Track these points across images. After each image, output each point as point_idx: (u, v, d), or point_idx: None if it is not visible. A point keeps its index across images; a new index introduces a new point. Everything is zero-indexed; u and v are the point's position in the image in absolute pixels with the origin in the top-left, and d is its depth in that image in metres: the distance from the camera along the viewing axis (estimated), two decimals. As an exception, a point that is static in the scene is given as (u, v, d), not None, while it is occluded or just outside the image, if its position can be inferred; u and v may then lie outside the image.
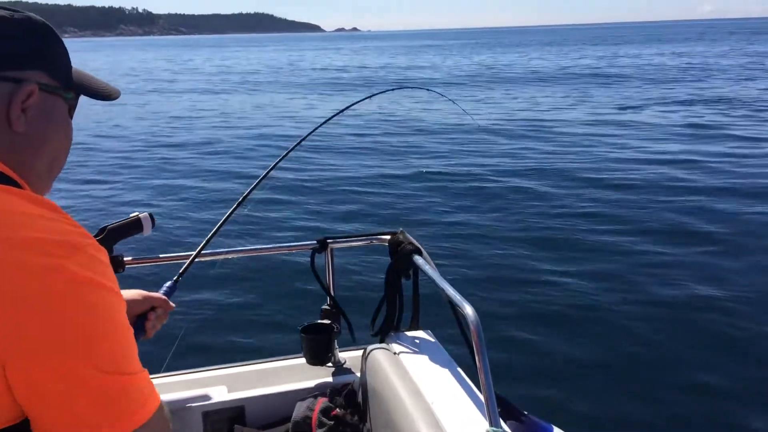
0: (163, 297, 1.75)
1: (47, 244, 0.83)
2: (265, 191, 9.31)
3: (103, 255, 0.89)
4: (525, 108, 19.44)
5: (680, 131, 14.52)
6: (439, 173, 10.96)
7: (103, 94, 1.14)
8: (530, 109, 19.31)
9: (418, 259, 2.19)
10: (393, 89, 3.25)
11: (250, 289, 5.85)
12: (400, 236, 2.32)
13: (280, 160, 2.43)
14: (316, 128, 2.63)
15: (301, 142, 2.55)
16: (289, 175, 10.62)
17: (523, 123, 16.33)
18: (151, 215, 1.96)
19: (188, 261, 2.09)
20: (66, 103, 1.05)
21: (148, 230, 1.97)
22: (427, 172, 10.99)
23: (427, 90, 3.41)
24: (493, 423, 1.54)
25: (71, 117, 1.08)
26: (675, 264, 6.42)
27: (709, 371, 4.41)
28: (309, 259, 2.42)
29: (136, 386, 0.89)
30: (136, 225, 1.92)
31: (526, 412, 2.14)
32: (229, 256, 2.62)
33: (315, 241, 2.44)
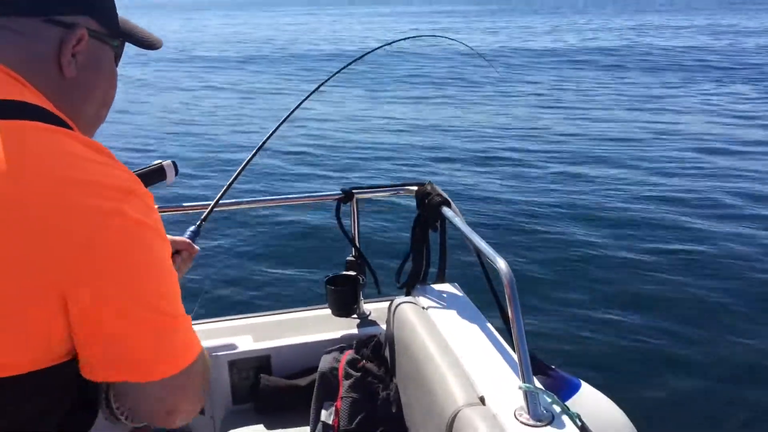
0: (187, 240, 1.74)
1: (105, 188, 0.84)
2: (287, 140, 9.30)
3: (151, 201, 0.91)
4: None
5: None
6: (467, 129, 10.79)
7: (147, 43, 1.14)
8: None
9: (447, 211, 2.14)
10: (410, 37, 3.17)
11: (276, 240, 5.88)
12: (428, 187, 2.27)
13: (299, 106, 2.38)
14: (336, 72, 2.55)
15: (320, 86, 2.48)
16: (311, 125, 10.56)
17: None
18: (174, 163, 1.92)
19: (211, 205, 2.07)
20: (113, 50, 1.06)
21: (171, 178, 1.93)
22: (453, 126, 10.83)
23: (445, 38, 3.29)
24: (526, 379, 1.49)
25: (117, 64, 1.09)
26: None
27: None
28: (334, 209, 2.38)
29: (183, 328, 0.93)
30: (159, 173, 1.87)
31: (553, 367, 2.12)
32: (254, 206, 2.60)
33: (340, 191, 2.41)
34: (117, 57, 1.08)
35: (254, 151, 2.25)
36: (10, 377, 0.79)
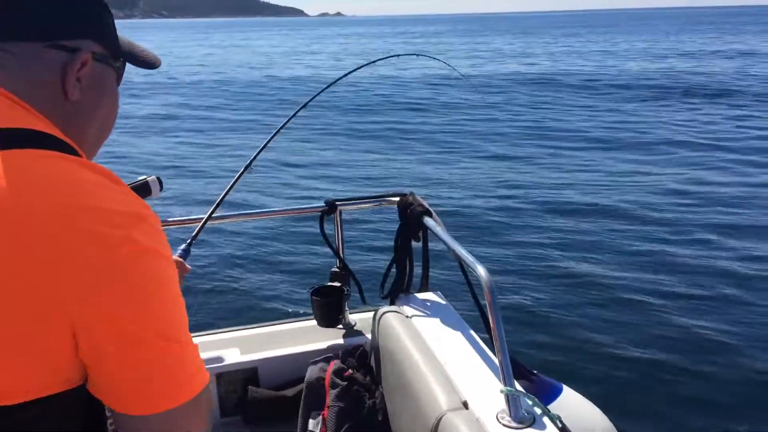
0: (179, 259, 1.76)
1: (115, 215, 0.84)
2: (272, 155, 9.32)
3: (159, 224, 0.91)
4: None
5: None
6: (448, 142, 10.89)
7: (148, 62, 1.14)
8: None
9: (429, 221, 2.18)
10: (392, 56, 3.27)
11: (261, 253, 5.88)
12: (410, 198, 2.31)
13: (287, 123, 2.43)
14: (321, 91, 2.62)
15: (306, 104, 2.54)
16: (294, 141, 10.60)
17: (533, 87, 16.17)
18: (158, 178, 1.92)
19: (200, 224, 2.10)
20: (115, 71, 1.06)
21: (156, 194, 1.92)
22: (432, 139, 10.92)
23: (420, 56, 3.44)
24: (507, 383, 1.54)
25: (119, 84, 1.09)
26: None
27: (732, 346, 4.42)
28: (318, 221, 2.42)
29: (191, 356, 0.91)
30: (143, 189, 1.86)
31: (535, 371, 2.16)
32: (239, 220, 2.62)
33: (324, 204, 2.44)
34: (119, 77, 1.09)
35: (243, 168, 2.31)
36: (18, 404, 0.79)
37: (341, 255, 2.50)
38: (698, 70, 22.54)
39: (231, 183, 2.26)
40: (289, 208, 2.70)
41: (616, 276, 5.33)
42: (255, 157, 2.33)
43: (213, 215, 2.19)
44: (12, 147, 0.84)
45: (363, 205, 2.57)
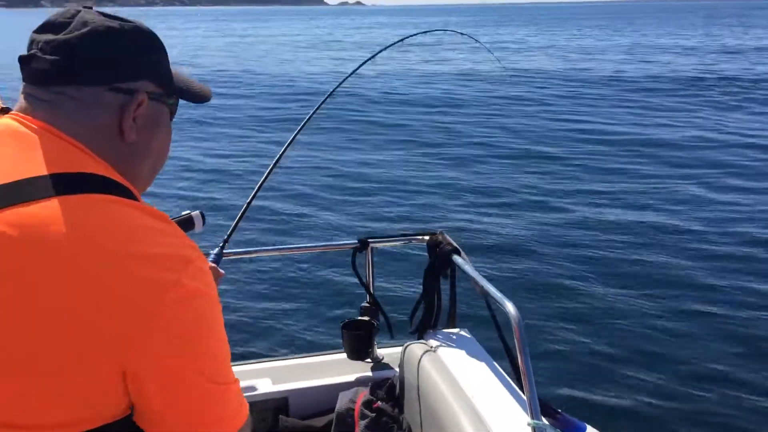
0: (213, 265, 1.86)
1: (164, 259, 0.87)
2: (290, 181, 9.45)
3: (206, 264, 0.95)
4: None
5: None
6: (475, 173, 10.92)
7: (200, 96, 1.16)
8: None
9: (457, 259, 2.26)
10: (419, 33, 3.12)
11: (294, 286, 5.97)
12: (439, 237, 2.39)
13: (302, 127, 2.44)
14: (343, 81, 2.61)
15: (323, 102, 2.55)
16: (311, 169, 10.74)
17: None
18: (202, 213, 2.00)
19: (233, 224, 2.18)
20: (169, 108, 1.09)
21: (199, 228, 2.01)
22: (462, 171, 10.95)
23: (455, 32, 3.25)
24: (534, 416, 1.59)
25: (172, 119, 1.12)
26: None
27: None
28: (350, 257, 2.50)
29: (234, 394, 0.96)
30: (187, 223, 1.94)
31: (560, 410, 2.20)
32: (275, 254, 2.72)
33: (356, 241, 2.53)
34: (172, 113, 1.11)
35: (275, 161, 2.33)
36: None
37: (371, 290, 2.57)
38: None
39: (260, 181, 2.30)
40: (324, 243, 2.80)
41: (648, 321, 5.26)
42: (282, 153, 2.36)
43: (247, 248, 2.27)
44: (72, 192, 0.87)
45: (394, 243, 2.66)
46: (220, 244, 2.12)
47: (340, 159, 11.41)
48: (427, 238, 2.45)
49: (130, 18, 1.05)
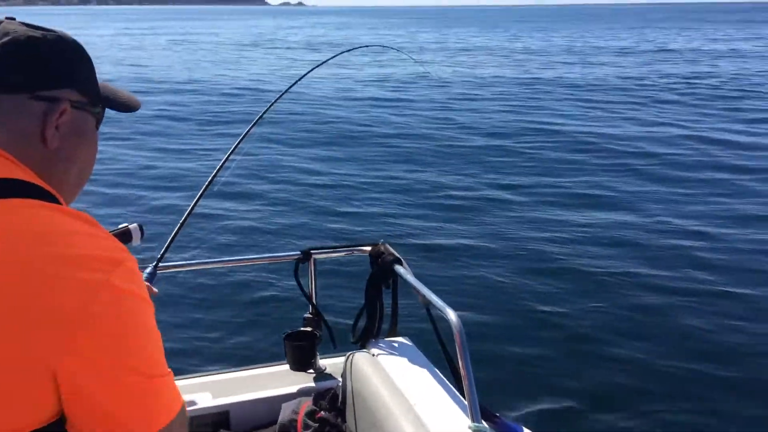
0: (145, 283, 1.82)
1: (92, 260, 0.88)
2: (231, 191, 9.36)
3: (137, 266, 0.96)
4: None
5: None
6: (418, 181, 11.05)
7: (127, 106, 1.18)
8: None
9: (399, 269, 2.31)
10: (350, 50, 3.23)
11: (235, 298, 5.89)
12: (381, 247, 2.43)
13: (241, 140, 2.46)
14: (274, 102, 2.66)
15: (259, 119, 2.58)
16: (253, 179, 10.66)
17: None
18: (140, 226, 1.98)
19: (168, 241, 2.16)
20: (94, 117, 1.10)
21: (137, 241, 1.99)
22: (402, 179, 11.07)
23: (390, 48, 3.42)
24: (475, 419, 1.64)
25: (98, 129, 1.13)
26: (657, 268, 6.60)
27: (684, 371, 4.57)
28: (292, 269, 2.51)
29: (167, 386, 0.98)
30: (125, 236, 1.93)
31: (498, 414, 2.26)
32: (216, 266, 2.69)
33: (299, 252, 2.54)
34: (98, 122, 1.12)
35: (197, 197, 2.33)
36: None
37: (314, 301, 2.59)
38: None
39: (194, 201, 2.29)
40: (266, 255, 2.78)
41: (585, 325, 5.45)
42: (213, 177, 2.37)
43: (187, 261, 2.25)
44: None
45: (336, 254, 2.68)
46: (154, 263, 2.10)
47: (281, 171, 11.34)
48: (369, 248, 2.48)
49: (54, 28, 1.06)
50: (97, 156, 1.14)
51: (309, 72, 2.87)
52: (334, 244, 2.68)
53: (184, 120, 15.69)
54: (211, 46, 39.88)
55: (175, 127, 14.67)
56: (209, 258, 2.62)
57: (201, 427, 2.32)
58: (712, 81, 21.79)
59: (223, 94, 19.65)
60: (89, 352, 0.85)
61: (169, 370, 0.99)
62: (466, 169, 11.44)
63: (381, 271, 2.37)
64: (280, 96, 2.70)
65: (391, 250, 2.41)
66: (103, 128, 1.16)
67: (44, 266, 0.84)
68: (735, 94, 19.11)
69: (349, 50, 3.19)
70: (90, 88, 1.08)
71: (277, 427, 2.19)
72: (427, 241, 7.76)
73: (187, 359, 4.61)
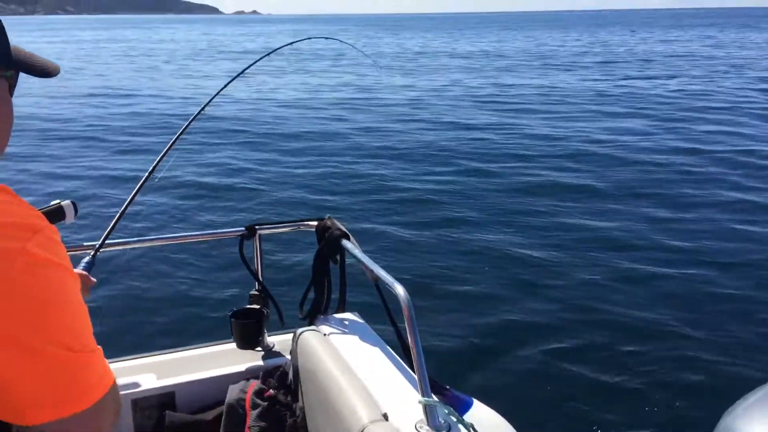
0: (83, 272, 1.74)
1: (7, 227, 0.84)
2: (177, 175, 9.18)
3: (57, 235, 0.91)
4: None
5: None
6: (361, 157, 11.04)
7: (43, 71, 1.12)
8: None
9: (347, 244, 2.28)
10: (294, 42, 3.20)
11: (179, 276, 5.78)
12: (328, 222, 2.39)
13: (187, 126, 2.42)
14: (219, 92, 2.61)
15: (210, 101, 2.54)
16: (196, 157, 10.51)
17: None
18: (73, 203, 1.89)
19: (104, 235, 2.08)
20: (6, 81, 1.03)
21: (71, 218, 1.89)
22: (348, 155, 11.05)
23: (332, 39, 3.45)
24: (425, 394, 1.64)
25: (11, 95, 1.06)
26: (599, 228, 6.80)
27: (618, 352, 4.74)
28: (237, 245, 2.45)
29: (95, 362, 0.93)
30: (58, 213, 1.84)
31: (447, 387, 2.28)
32: (157, 244, 2.61)
33: (243, 228, 2.48)
34: (11, 87, 1.05)
35: (142, 180, 2.27)
36: None
37: (260, 278, 2.54)
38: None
39: (135, 190, 2.24)
40: (209, 232, 2.71)
41: (529, 293, 5.58)
42: (154, 167, 2.32)
43: (128, 238, 2.18)
44: None
45: (282, 229, 2.63)
46: (92, 253, 2.02)
47: (225, 155, 11.21)
48: (315, 223, 2.44)
49: None
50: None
51: (254, 63, 2.80)
52: (280, 219, 2.62)
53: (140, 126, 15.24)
54: (165, 53, 38.96)
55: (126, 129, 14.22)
56: (150, 236, 2.52)
57: (146, 409, 2.26)
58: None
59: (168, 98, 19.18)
60: (7, 323, 0.81)
61: (98, 347, 0.95)
62: (413, 150, 11.55)
63: (328, 246, 2.33)
64: (224, 87, 2.62)
65: (338, 224, 2.37)
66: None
67: None
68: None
69: (292, 42, 3.14)
70: (0, 51, 1.01)
71: (224, 407, 2.14)
72: (373, 216, 7.76)
73: (130, 339, 4.48)
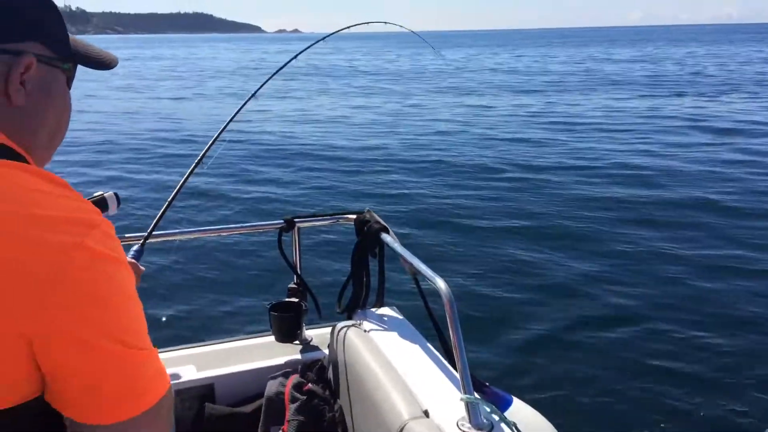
0: (132, 261, 1.75)
1: (65, 222, 0.83)
2: (217, 169, 9.29)
3: (113, 230, 0.90)
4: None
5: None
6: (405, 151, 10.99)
7: (101, 62, 1.10)
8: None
9: (386, 237, 2.24)
10: (357, 24, 3.17)
11: (218, 268, 5.84)
12: (367, 215, 2.37)
13: (234, 116, 2.42)
14: (272, 76, 2.61)
15: (253, 95, 2.54)
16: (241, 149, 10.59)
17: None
18: (116, 194, 1.88)
19: (152, 225, 2.09)
20: (64, 73, 1.02)
21: (113, 209, 1.89)
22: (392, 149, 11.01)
23: (393, 24, 3.38)
24: (467, 391, 1.59)
25: (69, 87, 1.05)
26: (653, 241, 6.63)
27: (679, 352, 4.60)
28: (276, 238, 2.45)
29: (153, 361, 0.91)
30: (100, 204, 1.82)
31: (487, 383, 2.24)
32: (197, 236, 2.62)
33: (282, 221, 2.47)
34: (69, 80, 1.04)
35: (186, 174, 2.28)
36: None
37: (299, 271, 2.53)
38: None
39: (176, 188, 2.25)
40: (248, 224, 2.70)
41: (579, 292, 5.46)
42: (199, 160, 2.33)
43: (168, 230, 2.19)
44: None
45: (321, 222, 2.62)
46: (141, 242, 2.03)
47: (266, 140, 11.27)
48: (354, 216, 2.41)
49: None
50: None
51: (306, 49, 2.78)
52: (319, 212, 2.61)
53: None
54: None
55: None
56: (190, 228, 2.53)
57: (186, 401, 2.27)
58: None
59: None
60: (65, 319, 0.80)
61: (154, 347, 0.93)
62: (457, 140, 11.40)
63: (367, 239, 2.30)
64: (276, 72, 2.62)
65: (377, 218, 2.34)
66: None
67: (15, 227, 0.79)
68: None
69: (348, 27, 3.05)
70: (59, 42, 0.99)
71: (264, 400, 2.14)
72: (414, 209, 7.72)
73: (171, 332, 4.56)
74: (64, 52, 1.01)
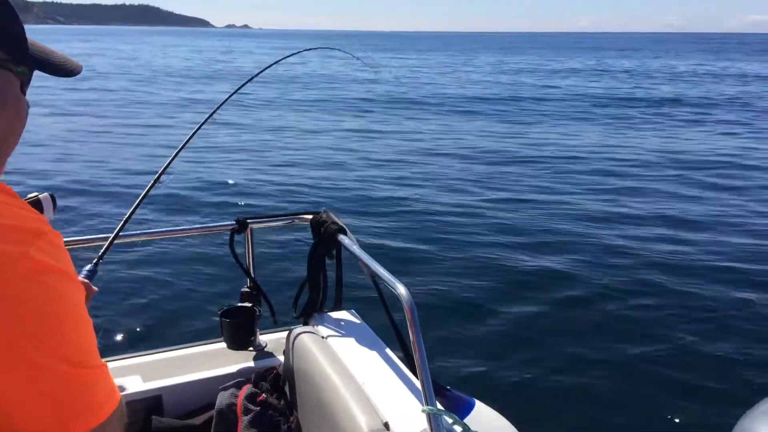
0: (85, 281, 1.65)
1: (8, 231, 0.79)
2: (180, 170, 9.06)
3: (61, 241, 0.86)
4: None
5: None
6: (360, 155, 10.95)
7: (63, 69, 1.04)
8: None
9: (343, 239, 2.17)
10: (299, 51, 3.23)
11: (167, 273, 5.66)
12: (324, 216, 2.29)
13: (192, 136, 2.37)
14: (231, 96, 2.58)
15: (214, 113, 2.50)
16: (205, 154, 10.38)
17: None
18: (52, 195, 1.77)
19: (107, 243, 1.99)
20: (18, 77, 0.96)
21: (49, 213, 1.77)
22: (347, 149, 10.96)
23: (335, 50, 3.52)
24: (429, 402, 1.52)
25: (24, 92, 0.99)
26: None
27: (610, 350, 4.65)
28: (227, 240, 2.36)
29: (102, 379, 0.88)
30: (35, 206, 1.71)
31: (449, 387, 2.18)
32: (145, 238, 2.51)
33: (234, 222, 2.39)
34: (23, 85, 0.99)
35: (151, 183, 2.23)
36: None
37: (252, 274, 2.45)
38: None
39: (139, 198, 2.18)
40: (198, 226, 2.60)
41: (530, 294, 5.48)
42: (163, 170, 2.26)
43: (119, 234, 2.08)
44: None
45: (275, 223, 2.53)
46: (94, 260, 1.93)
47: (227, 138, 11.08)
48: (310, 217, 2.34)
49: None
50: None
51: (261, 72, 2.76)
52: (273, 212, 2.53)
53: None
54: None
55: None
56: (137, 231, 2.42)
57: (131, 414, 2.13)
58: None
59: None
60: (6, 333, 0.75)
61: (103, 362, 0.89)
62: (415, 139, 11.44)
63: (323, 241, 2.23)
64: (234, 93, 2.58)
65: (335, 218, 2.27)
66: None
67: None
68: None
69: (293, 54, 3.10)
70: (12, 45, 0.93)
71: (215, 412, 2.03)
72: (372, 210, 7.66)
73: (114, 339, 4.39)
74: (18, 54, 0.95)
